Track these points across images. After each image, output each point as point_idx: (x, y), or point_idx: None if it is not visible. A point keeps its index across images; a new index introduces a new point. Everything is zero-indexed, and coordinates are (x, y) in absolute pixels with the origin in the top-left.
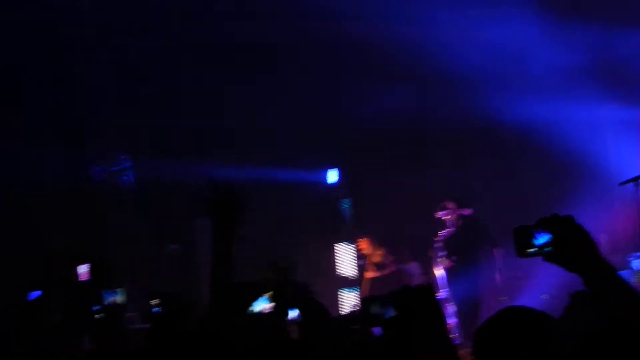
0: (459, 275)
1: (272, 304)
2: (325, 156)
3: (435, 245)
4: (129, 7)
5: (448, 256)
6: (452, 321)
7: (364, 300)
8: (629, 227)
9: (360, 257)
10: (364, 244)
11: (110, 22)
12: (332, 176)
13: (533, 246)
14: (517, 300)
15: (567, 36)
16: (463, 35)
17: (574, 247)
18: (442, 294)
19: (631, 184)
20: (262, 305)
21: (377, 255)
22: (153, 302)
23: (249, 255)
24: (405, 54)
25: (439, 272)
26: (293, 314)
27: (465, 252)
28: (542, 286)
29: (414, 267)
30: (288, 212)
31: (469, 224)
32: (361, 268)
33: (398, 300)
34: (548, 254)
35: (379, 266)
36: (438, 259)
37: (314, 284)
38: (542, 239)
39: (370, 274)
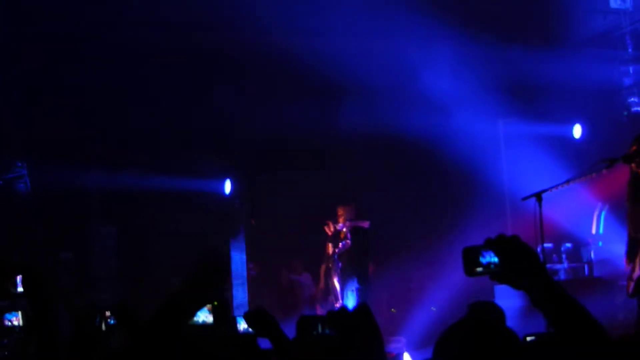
0: (352, 286)
1: (212, 316)
2: (221, 166)
3: (334, 256)
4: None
5: (343, 268)
6: None
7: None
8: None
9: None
10: None
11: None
12: (228, 186)
13: (481, 265)
14: (407, 311)
15: (468, 51)
16: (364, 48)
17: (519, 266)
18: (339, 304)
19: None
20: (203, 316)
21: None
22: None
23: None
24: (306, 66)
25: (336, 283)
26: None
27: (358, 265)
28: (431, 299)
29: (305, 277)
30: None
31: (362, 237)
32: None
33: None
34: (495, 273)
35: None
36: (335, 271)
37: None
38: (489, 258)
39: None
